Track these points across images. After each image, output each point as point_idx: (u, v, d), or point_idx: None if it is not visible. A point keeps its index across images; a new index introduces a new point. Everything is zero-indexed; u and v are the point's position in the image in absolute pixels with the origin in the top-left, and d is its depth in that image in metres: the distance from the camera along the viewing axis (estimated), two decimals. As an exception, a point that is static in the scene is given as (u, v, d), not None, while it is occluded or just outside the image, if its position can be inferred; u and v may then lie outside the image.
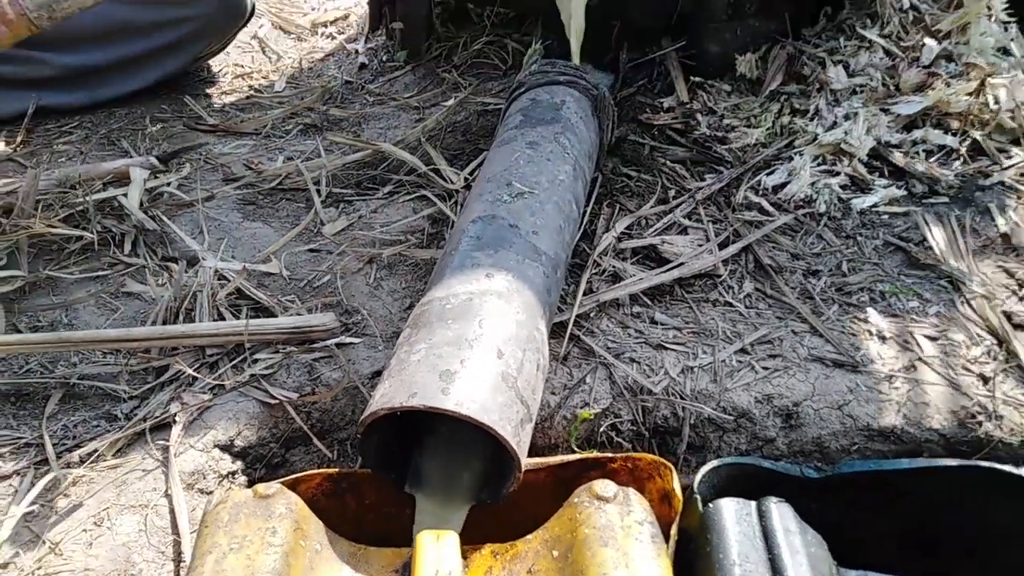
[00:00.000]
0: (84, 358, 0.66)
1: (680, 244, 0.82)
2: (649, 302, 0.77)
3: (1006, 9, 1.03)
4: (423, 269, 0.80)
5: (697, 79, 1.02)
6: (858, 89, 0.95)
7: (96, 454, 0.58)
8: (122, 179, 0.88)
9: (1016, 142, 0.92)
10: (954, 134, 0.92)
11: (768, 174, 0.91)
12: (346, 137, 1.02)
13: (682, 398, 0.67)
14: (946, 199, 0.87)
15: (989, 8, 0.99)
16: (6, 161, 0.97)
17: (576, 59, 0.94)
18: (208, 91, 1.20)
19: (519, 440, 0.51)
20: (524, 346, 0.56)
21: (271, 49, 1.32)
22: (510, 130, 0.77)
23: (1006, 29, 1.04)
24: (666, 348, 0.71)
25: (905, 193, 0.88)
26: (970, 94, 0.92)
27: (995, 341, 0.72)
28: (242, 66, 1.27)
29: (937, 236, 0.82)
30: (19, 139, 1.02)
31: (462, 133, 1.01)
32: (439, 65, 1.17)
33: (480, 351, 0.53)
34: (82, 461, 0.57)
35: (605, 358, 0.70)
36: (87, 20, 1.03)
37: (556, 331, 0.72)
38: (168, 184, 0.89)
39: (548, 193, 0.69)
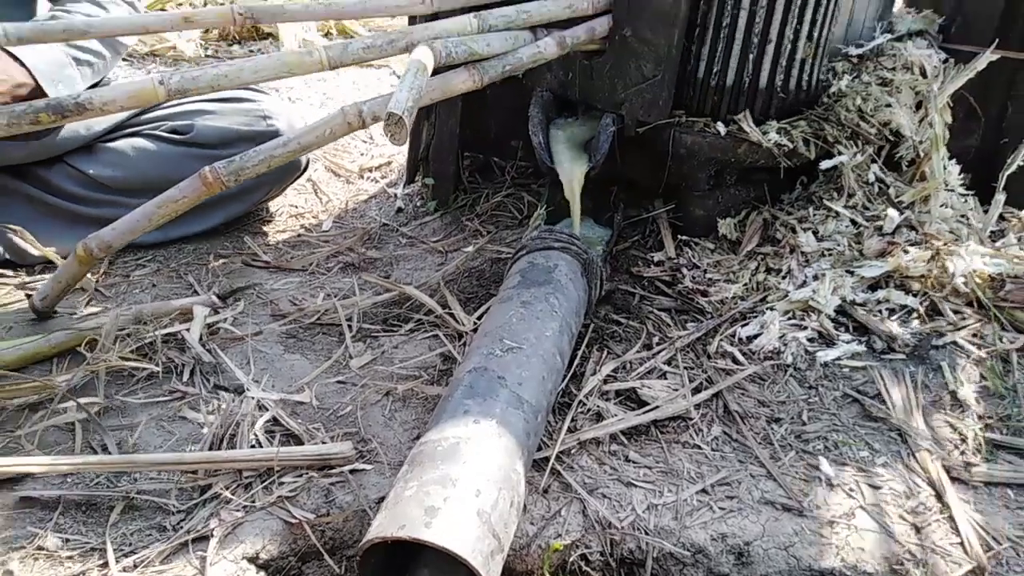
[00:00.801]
0: (143, 475, 0.80)
1: (658, 388, 0.94)
2: (626, 441, 0.87)
3: (963, 183, 1.16)
4: (431, 403, 0.93)
5: (684, 238, 1.16)
6: (826, 252, 1.08)
7: (147, 561, 0.70)
8: (187, 315, 1.04)
9: (970, 304, 1.02)
10: (914, 295, 1.03)
11: (743, 326, 1.02)
12: (378, 278, 1.18)
13: (646, 533, 0.77)
14: (903, 356, 0.97)
15: (947, 183, 1.12)
16: (93, 291, 1.15)
17: (576, 226, 1.10)
18: (265, 229, 1.38)
19: (489, 569, 0.62)
20: (501, 485, 0.67)
21: (322, 191, 1.52)
22: (509, 289, 0.91)
23: (966, 200, 1.16)
24: (635, 486, 0.82)
25: (866, 349, 0.98)
26: (927, 261, 1.03)
27: (932, 492, 0.80)
28: (296, 207, 1.46)
29: (892, 391, 0.92)
30: (102, 270, 1.21)
31: (476, 278, 1.16)
32: (464, 214, 1.34)
33: (461, 490, 0.64)
34: (135, 566, 0.70)
35: (580, 493, 0.80)
36: (157, 171, 1.23)
37: (540, 465, 0.83)
38: (225, 320, 1.05)
39: (535, 348, 0.82)
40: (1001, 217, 1.24)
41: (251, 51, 2.33)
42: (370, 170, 1.61)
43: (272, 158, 0.92)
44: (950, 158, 1.15)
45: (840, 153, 1.07)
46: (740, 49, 1.04)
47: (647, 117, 1.09)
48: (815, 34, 1.05)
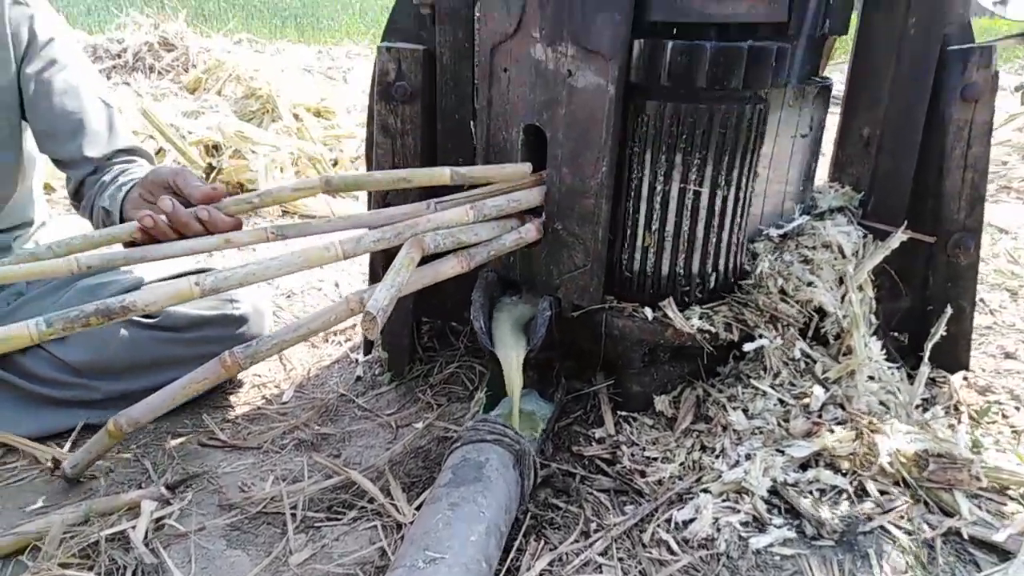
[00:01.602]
0: None
1: (590, 584, 0.95)
2: (555, 646, 0.88)
3: (888, 357, 1.21)
4: (366, 605, 0.93)
5: (623, 413, 1.20)
6: (757, 431, 1.11)
7: None
8: (136, 508, 1.07)
9: (897, 484, 1.05)
10: (844, 474, 1.06)
11: (679, 509, 1.04)
12: (328, 459, 1.21)
13: None
14: (832, 542, 0.98)
15: (871, 358, 1.17)
16: (57, 476, 1.18)
17: (515, 410, 1.14)
18: (229, 400, 1.42)
19: None
20: None
21: (287, 358, 1.57)
22: (439, 488, 0.94)
23: (893, 372, 1.20)
24: None
25: (797, 535, 1.00)
26: (853, 440, 1.07)
27: None
28: (260, 376, 1.51)
29: (820, 582, 0.93)
30: (66, 448, 1.24)
31: (423, 459, 1.19)
32: (418, 384, 1.39)
33: None
34: None
35: None
36: (128, 354, 1.29)
37: None
38: (172, 514, 1.07)
39: (457, 556, 0.84)
40: (933, 381, 1.28)
41: (235, 205, 2.46)
42: (335, 333, 1.67)
43: (284, 343, 1.02)
44: (885, 323, 1.21)
45: (761, 336, 1.13)
46: (657, 239, 1.12)
47: (581, 301, 1.15)
48: (726, 224, 1.12)
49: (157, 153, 2.43)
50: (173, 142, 2.34)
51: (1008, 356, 1.48)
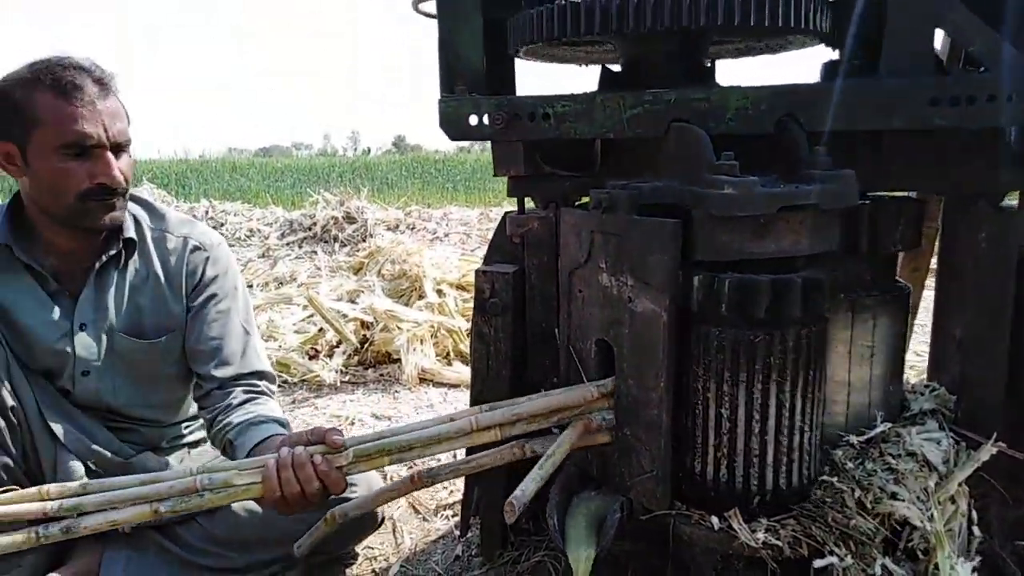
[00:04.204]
0: None
1: None
2: None
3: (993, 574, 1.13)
4: None
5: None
6: (830, 656, 1.07)
7: None
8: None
9: None
10: None
11: None
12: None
13: None
14: None
15: (962, 582, 1.10)
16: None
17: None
18: (343, 574, 1.58)
19: None
20: None
21: (399, 530, 1.72)
22: None
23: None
24: None
25: None
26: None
27: None
28: (372, 548, 1.66)
29: None
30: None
31: (499, 651, 1.25)
32: (506, 571, 1.47)
33: None
34: None
35: None
36: (262, 532, 1.48)
37: None
38: None
39: None
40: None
41: (381, 374, 2.76)
42: (445, 507, 1.80)
43: (459, 471, 1.27)
44: (1004, 533, 1.13)
45: (831, 553, 1.11)
46: (720, 452, 1.16)
47: (649, 505, 1.21)
48: (792, 437, 1.15)
49: (319, 330, 2.83)
50: (332, 324, 2.73)
51: None
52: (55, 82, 1.29)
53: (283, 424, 1.45)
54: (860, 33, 1.19)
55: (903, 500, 1.16)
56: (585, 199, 1.35)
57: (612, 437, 1.26)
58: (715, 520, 1.16)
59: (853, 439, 1.24)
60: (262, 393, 1.53)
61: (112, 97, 1.35)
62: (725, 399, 1.14)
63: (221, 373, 1.50)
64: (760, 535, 1.12)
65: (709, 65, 1.44)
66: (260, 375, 1.55)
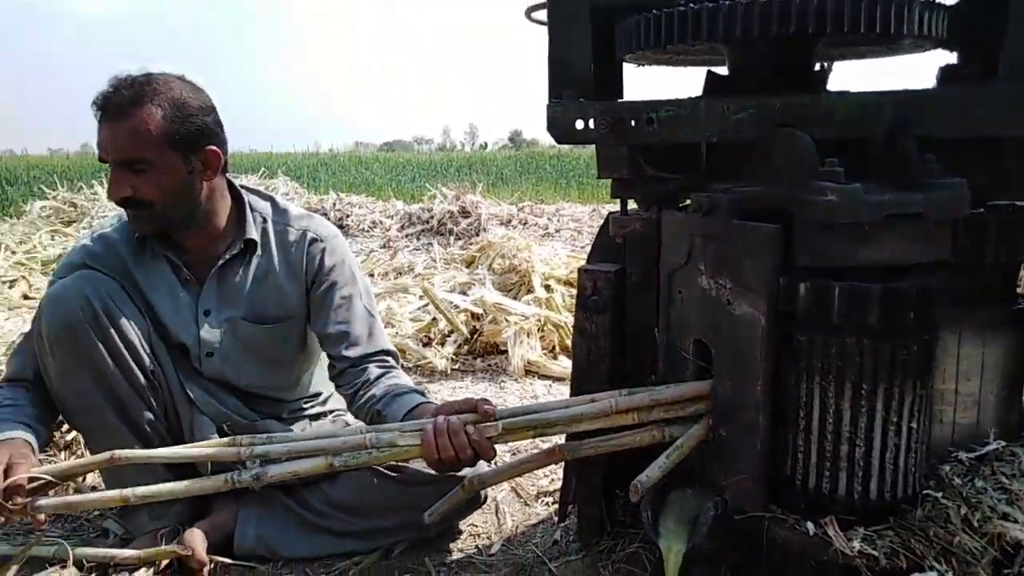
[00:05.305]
0: None
1: None
2: None
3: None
4: None
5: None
6: (925, 672, 1.05)
7: None
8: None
9: None
10: None
11: None
12: (512, 616, 1.39)
13: None
14: None
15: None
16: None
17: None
18: (447, 547, 1.68)
19: None
20: None
21: (503, 512, 1.81)
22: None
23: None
24: None
25: None
26: None
27: None
28: (476, 526, 1.76)
29: None
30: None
31: (589, 634, 1.31)
32: (602, 559, 1.52)
33: None
34: None
35: None
36: (377, 502, 1.61)
37: None
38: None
39: None
40: None
41: (488, 364, 2.87)
42: (545, 494, 1.87)
43: (599, 447, 1.29)
44: None
45: (931, 568, 1.09)
46: (820, 458, 1.16)
47: (744, 506, 1.23)
48: (896, 449, 1.13)
49: (433, 320, 2.98)
50: (445, 314, 2.87)
51: None
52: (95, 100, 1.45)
53: (421, 394, 1.58)
54: (977, 37, 1.14)
55: (1016, 522, 1.11)
56: (687, 202, 1.37)
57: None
58: (811, 526, 1.17)
59: (963, 455, 1.20)
60: (392, 367, 1.67)
61: (122, 119, 1.40)
62: (830, 407, 1.14)
63: (352, 353, 1.64)
64: (856, 544, 1.11)
65: (820, 68, 1.42)
66: (387, 352, 1.69)
